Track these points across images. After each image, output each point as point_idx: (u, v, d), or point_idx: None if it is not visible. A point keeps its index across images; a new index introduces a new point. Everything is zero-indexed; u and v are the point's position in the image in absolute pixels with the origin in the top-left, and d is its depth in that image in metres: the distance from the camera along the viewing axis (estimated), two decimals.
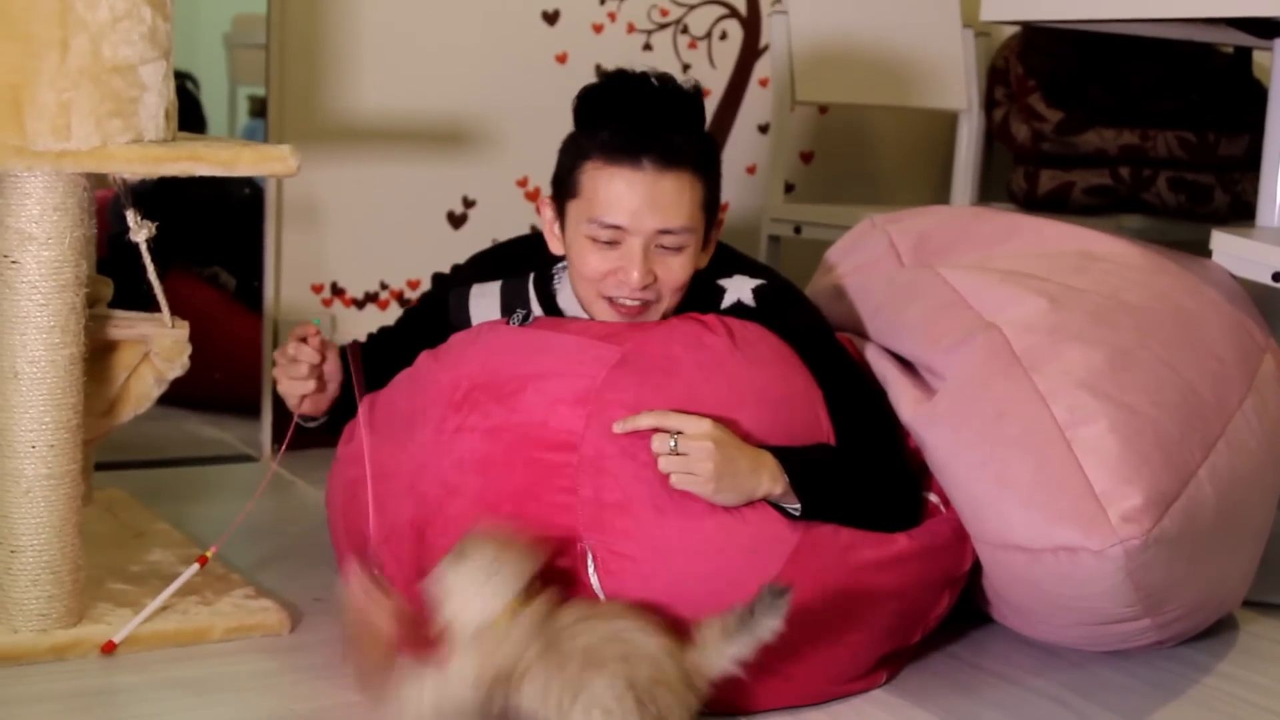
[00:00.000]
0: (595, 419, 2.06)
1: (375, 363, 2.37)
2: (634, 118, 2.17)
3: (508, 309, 2.34)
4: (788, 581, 1.88)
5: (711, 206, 2.24)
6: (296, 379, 2.31)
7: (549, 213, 2.28)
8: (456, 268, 2.49)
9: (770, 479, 2.06)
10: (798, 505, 2.08)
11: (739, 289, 2.32)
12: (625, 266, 2.18)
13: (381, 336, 2.51)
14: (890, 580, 2.16)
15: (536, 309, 2.34)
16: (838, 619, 2.11)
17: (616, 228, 2.17)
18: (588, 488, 2.04)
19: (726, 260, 2.34)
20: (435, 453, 2.14)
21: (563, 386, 2.10)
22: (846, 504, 2.14)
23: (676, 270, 2.21)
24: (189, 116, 3.51)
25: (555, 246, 2.29)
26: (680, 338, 2.17)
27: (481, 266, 2.45)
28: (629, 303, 2.21)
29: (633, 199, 2.15)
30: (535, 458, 2.07)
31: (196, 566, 2.29)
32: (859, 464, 2.18)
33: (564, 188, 2.23)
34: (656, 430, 2.04)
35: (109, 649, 2.18)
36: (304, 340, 2.31)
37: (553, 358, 2.15)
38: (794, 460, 2.09)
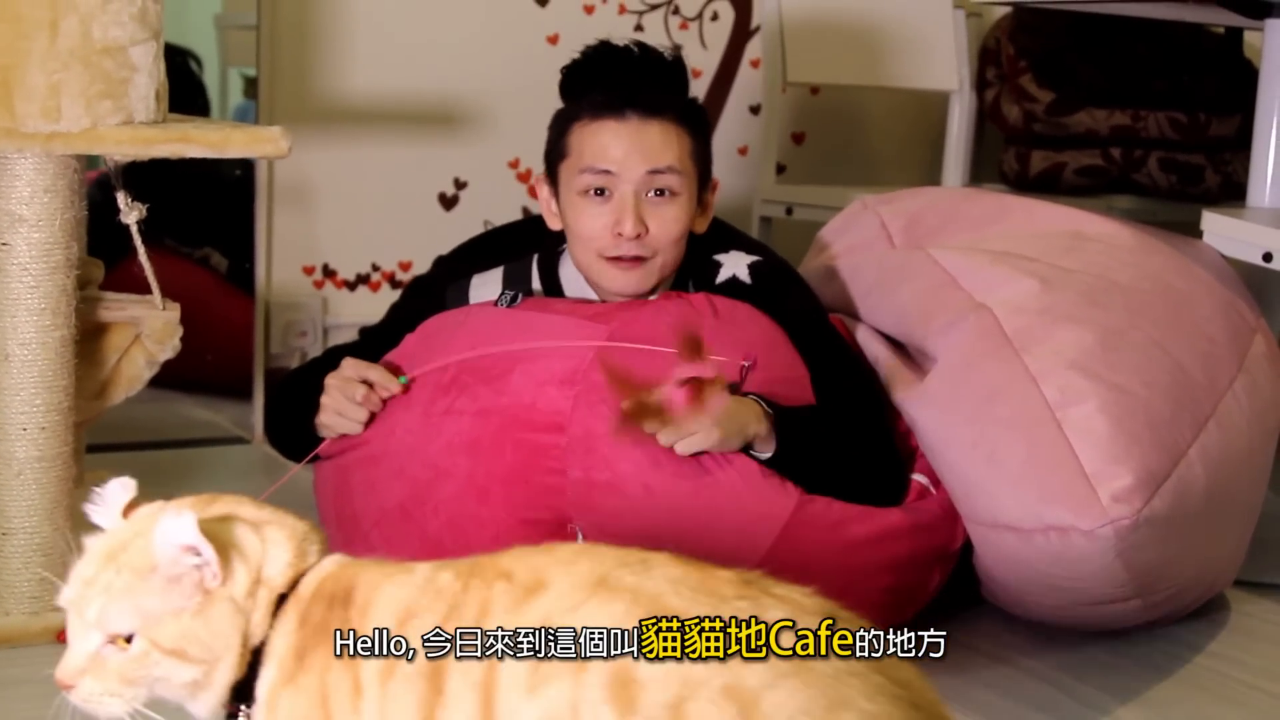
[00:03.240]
0: (582, 399, 2.07)
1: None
2: (617, 80, 2.23)
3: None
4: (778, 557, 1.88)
5: (702, 160, 2.27)
6: (350, 420, 2.20)
7: (544, 190, 2.31)
8: (443, 260, 2.47)
9: (756, 417, 2.08)
10: (774, 448, 2.09)
11: (735, 264, 2.33)
12: (619, 218, 2.20)
13: (374, 338, 2.41)
14: (882, 556, 2.16)
15: (538, 287, 2.35)
16: (829, 595, 2.11)
17: (606, 173, 2.20)
18: (576, 468, 2.04)
19: (723, 236, 2.37)
20: (424, 435, 2.14)
21: (550, 367, 2.10)
22: (825, 461, 2.14)
23: (670, 221, 2.23)
24: (192, 95, 3.51)
25: (553, 223, 2.31)
26: (666, 318, 2.18)
27: (473, 255, 2.44)
28: (627, 256, 2.22)
29: (619, 146, 2.20)
30: (524, 439, 2.07)
31: None
32: (841, 426, 2.19)
33: (554, 155, 2.28)
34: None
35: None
36: (368, 385, 2.19)
37: (540, 339, 2.15)
38: (773, 404, 2.11)
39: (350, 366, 2.22)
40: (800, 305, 2.33)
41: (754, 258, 2.34)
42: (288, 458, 2.35)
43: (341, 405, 2.20)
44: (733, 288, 2.30)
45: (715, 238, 2.34)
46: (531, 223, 2.41)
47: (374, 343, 2.38)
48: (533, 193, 3.61)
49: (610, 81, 2.24)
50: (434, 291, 2.40)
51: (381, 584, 1.30)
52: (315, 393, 2.23)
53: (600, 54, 2.28)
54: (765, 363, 2.21)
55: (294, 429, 2.31)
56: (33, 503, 2.16)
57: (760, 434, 2.08)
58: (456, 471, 2.10)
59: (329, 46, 3.44)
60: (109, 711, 1.30)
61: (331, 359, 2.34)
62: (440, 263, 2.48)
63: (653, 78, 2.25)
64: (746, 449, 2.09)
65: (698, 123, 2.28)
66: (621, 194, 2.21)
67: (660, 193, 2.22)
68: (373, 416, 2.20)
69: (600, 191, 2.22)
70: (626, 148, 2.20)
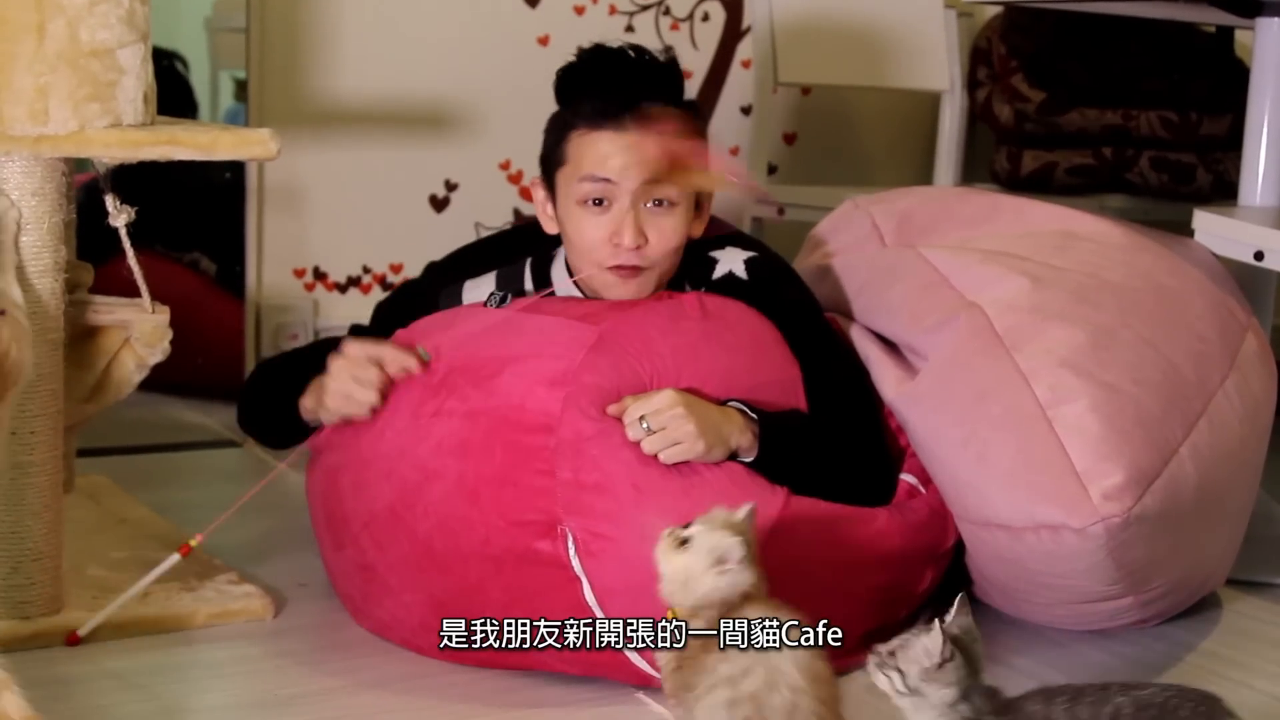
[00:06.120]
0: (572, 401, 2.07)
1: None
2: (614, 87, 2.22)
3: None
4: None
5: None
6: (359, 403, 2.15)
7: (540, 193, 2.31)
8: (435, 266, 2.47)
9: (739, 428, 2.08)
10: (756, 451, 2.09)
11: (731, 260, 2.33)
12: (618, 229, 2.20)
13: (363, 336, 2.39)
14: (870, 554, 2.17)
15: (530, 290, 2.35)
16: (819, 594, 2.10)
17: (606, 181, 2.20)
18: (566, 470, 2.04)
19: (719, 232, 2.37)
20: (413, 437, 2.13)
21: (539, 368, 2.10)
22: (810, 466, 2.14)
23: (668, 233, 2.23)
24: (179, 97, 3.51)
25: (549, 226, 2.31)
26: (656, 320, 2.18)
27: (465, 262, 2.44)
28: (627, 265, 2.23)
29: (618, 156, 2.19)
30: (513, 440, 2.06)
31: (176, 557, 2.20)
32: (826, 429, 2.19)
33: (551, 161, 2.27)
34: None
35: (73, 641, 2.16)
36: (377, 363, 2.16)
37: (529, 340, 2.15)
38: (757, 410, 2.12)
39: (356, 346, 2.18)
40: (796, 301, 2.34)
41: (750, 253, 2.35)
42: (262, 443, 2.34)
43: (349, 388, 2.17)
44: (729, 283, 2.30)
45: (710, 233, 2.35)
46: (524, 230, 2.41)
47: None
48: (524, 194, 3.62)
49: (606, 87, 2.22)
50: (425, 297, 2.40)
51: None
52: (301, 376, 2.22)
53: (595, 57, 2.27)
54: (755, 365, 2.21)
55: (273, 412, 2.29)
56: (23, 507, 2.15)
57: (743, 445, 2.09)
58: (446, 473, 2.09)
59: (319, 49, 3.44)
60: None
61: (319, 350, 2.30)
62: (432, 268, 2.47)
63: (649, 82, 2.24)
64: (731, 458, 2.10)
65: (694, 130, 2.28)
66: (620, 204, 2.21)
67: (659, 203, 2.22)
68: (382, 399, 2.17)
69: (599, 201, 2.21)
70: (626, 158, 2.20)
